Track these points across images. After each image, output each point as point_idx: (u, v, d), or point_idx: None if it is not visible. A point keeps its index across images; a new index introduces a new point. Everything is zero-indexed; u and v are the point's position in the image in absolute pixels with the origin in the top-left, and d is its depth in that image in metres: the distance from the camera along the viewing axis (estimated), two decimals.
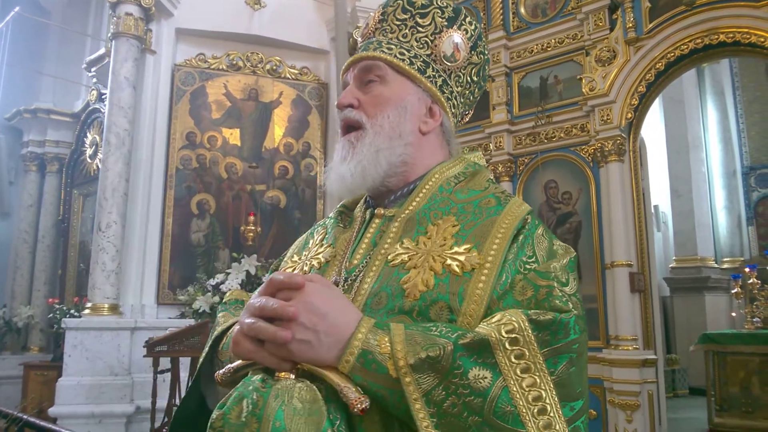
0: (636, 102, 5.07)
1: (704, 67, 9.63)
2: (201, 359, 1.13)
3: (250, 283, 5.79)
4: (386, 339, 0.89)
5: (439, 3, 1.23)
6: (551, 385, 0.90)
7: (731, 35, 4.65)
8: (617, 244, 4.97)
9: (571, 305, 0.98)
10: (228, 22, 6.69)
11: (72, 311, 6.72)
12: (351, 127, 1.18)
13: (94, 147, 7.69)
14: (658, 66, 5.00)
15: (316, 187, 6.76)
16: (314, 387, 0.87)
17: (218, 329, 1.15)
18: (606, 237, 5.11)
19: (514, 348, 0.89)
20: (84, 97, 8.46)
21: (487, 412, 0.85)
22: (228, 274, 5.85)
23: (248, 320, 0.91)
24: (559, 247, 1.08)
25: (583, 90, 5.28)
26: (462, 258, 1.01)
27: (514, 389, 0.87)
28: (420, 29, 1.20)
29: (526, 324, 0.91)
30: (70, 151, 8.48)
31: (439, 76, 1.21)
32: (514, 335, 0.90)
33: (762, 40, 4.49)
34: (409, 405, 0.85)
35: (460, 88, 1.25)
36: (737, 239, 9.79)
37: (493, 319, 0.93)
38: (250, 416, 0.84)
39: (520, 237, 1.05)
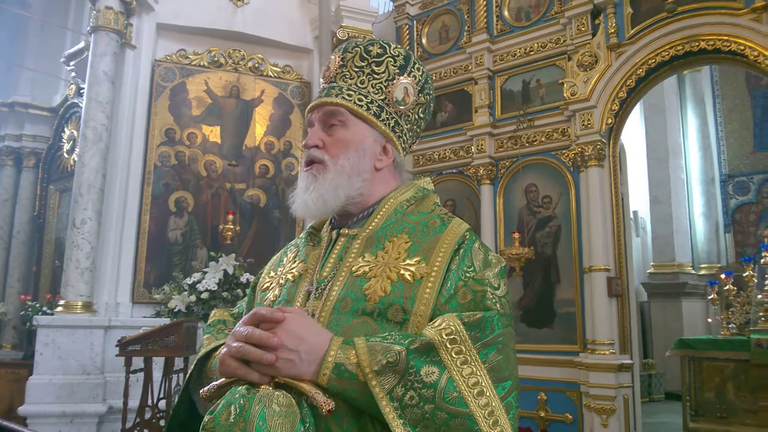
0: (617, 107, 5.10)
1: (685, 74, 9.73)
2: (188, 373, 1.34)
3: (227, 283, 5.73)
4: (353, 352, 1.09)
5: (392, 52, 1.40)
6: (485, 372, 1.11)
7: (712, 43, 4.70)
8: (596, 248, 4.99)
9: (498, 306, 1.20)
10: (210, 19, 6.61)
11: (45, 309, 6.60)
12: (313, 161, 1.36)
13: (71, 142, 7.56)
14: (639, 72, 5.03)
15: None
16: (289, 395, 1.06)
17: (203, 351, 1.33)
18: (585, 241, 5.13)
19: (453, 346, 1.10)
20: (62, 92, 8.33)
21: (438, 400, 1.06)
22: (205, 273, 5.78)
23: (235, 344, 1.10)
24: (492, 257, 1.29)
25: (565, 94, 5.31)
26: (413, 268, 1.22)
27: (457, 378, 1.08)
28: (375, 76, 1.38)
29: (461, 326, 1.13)
30: (47, 146, 8.33)
31: (392, 118, 1.39)
32: (452, 336, 1.11)
33: (742, 48, 4.54)
34: (377, 402, 1.05)
35: (408, 125, 1.44)
36: (714, 246, 9.90)
37: (435, 324, 1.14)
38: (238, 417, 1.01)
39: (461, 250, 1.26)
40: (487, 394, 1.09)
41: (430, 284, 1.19)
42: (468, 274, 1.22)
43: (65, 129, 7.85)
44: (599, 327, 4.88)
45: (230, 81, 6.70)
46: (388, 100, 1.38)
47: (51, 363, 5.21)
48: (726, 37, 4.62)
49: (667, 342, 7.86)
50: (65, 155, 7.77)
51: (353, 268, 1.26)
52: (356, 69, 1.38)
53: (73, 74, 7.43)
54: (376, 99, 1.37)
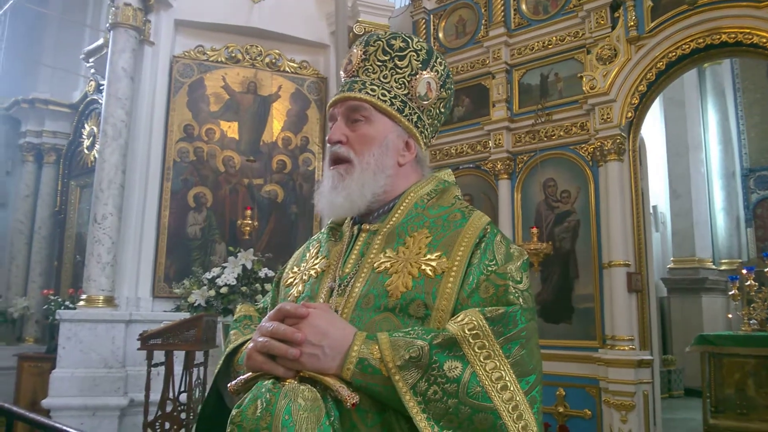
0: (636, 101, 5.05)
1: (705, 67, 9.62)
2: (216, 369, 1.36)
3: (246, 277, 5.76)
4: (376, 347, 1.10)
5: (414, 46, 1.39)
6: (508, 366, 1.12)
7: (733, 35, 4.63)
8: (615, 243, 4.95)
9: (521, 300, 1.20)
10: (227, 15, 6.64)
11: (67, 303, 6.69)
12: (339, 160, 1.36)
13: (91, 138, 7.65)
14: (659, 65, 4.97)
15: (314, 181, 6.72)
16: (315, 389, 1.08)
17: (231, 346, 1.36)
18: (604, 236, 5.09)
19: (476, 341, 1.11)
20: (82, 88, 8.42)
21: (462, 394, 1.07)
22: (224, 267, 5.81)
23: (261, 339, 1.13)
24: (515, 250, 1.29)
25: (584, 88, 5.26)
26: (434, 263, 1.23)
27: (480, 373, 1.09)
28: (398, 71, 1.38)
29: (483, 321, 1.13)
30: (67, 142, 8.44)
31: (414, 113, 1.39)
32: (474, 331, 1.11)
33: (764, 40, 4.47)
34: (400, 396, 1.06)
35: (430, 120, 1.44)
36: (735, 241, 9.79)
37: (458, 319, 1.15)
38: (264, 411, 1.03)
39: (482, 244, 1.26)
40: (511, 388, 1.10)
41: (451, 279, 1.20)
42: (490, 268, 1.23)
43: (85, 125, 7.94)
44: (618, 322, 4.85)
45: (247, 77, 6.73)
46: (411, 95, 1.38)
47: (73, 356, 5.29)
48: (748, 30, 4.55)
49: (687, 338, 7.80)
50: (85, 151, 7.86)
51: (375, 264, 1.27)
52: (379, 63, 1.38)
53: (92, 71, 7.50)
54: (399, 94, 1.37)
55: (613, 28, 5.23)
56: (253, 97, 6.73)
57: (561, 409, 5.18)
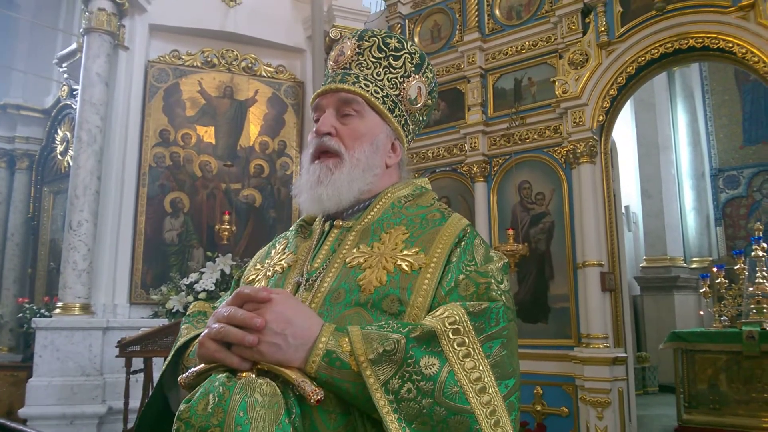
0: (608, 105, 5.16)
1: (675, 70, 9.81)
2: (163, 366, 1.22)
3: (224, 282, 5.76)
4: (346, 340, 1.01)
5: (409, 48, 1.37)
6: (488, 367, 1.05)
7: (700, 40, 4.76)
8: (589, 244, 5.05)
9: (504, 298, 1.15)
10: (203, 19, 6.62)
11: (42, 311, 6.61)
12: (326, 153, 1.30)
13: (65, 144, 7.56)
14: (629, 70, 5.09)
15: (292, 186, 6.71)
16: (274, 383, 0.98)
17: (181, 340, 1.25)
18: (578, 237, 5.19)
19: (456, 337, 1.04)
20: (55, 93, 8.32)
21: (437, 394, 0.99)
22: (202, 273, 5.81)
23: (216, 325, 1.02)
24: (494, 254, 1.24)
25: (556, 92, 5.36)
26: (411, 259, 1.17)
27: (459, 372, 1.02)
28: (392, 71, 1.34)
29: (465, 315, 1.07)
30: (40, 148, 8.33)
31: (402, 116, 1.37)
32: (455, 326, 1.05)
33: (730, 45, 4.60)
34: (370, 394, 0.96)
35: (413, 126, 1.42)
36: (706, 239, 9.99)
37: (437, 313, 1.08)
38: (216, 407, 0.93)
39: (462, 244, 1.22)
40: (490, 391, 1.03)
41: (428, 275, 1.14)
42: (469, 268, 1.18)
43: (58, 130, 7.85)
44: (593, 321, 4.94)
45: (224, 81, 6.72)
46: (402, 97, 1.35)
47: (50, 365, 5.23)
48: (714, 35, 4.68)
49: (660, 335, 7.95)
50: (59, 157, 7.76)
51: (347, 259, 1.20)
52: (373, 59, 1.33)
53: (65, 75, 7.42)
54: (391, 94, 1.34)
55: (585, 33, 5.33)
56: (230, 101, 6.72)
57: (539, 408, 5.26)
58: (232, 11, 6.73)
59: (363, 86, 1.31)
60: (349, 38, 1.38)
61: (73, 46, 6.88)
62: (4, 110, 8.44)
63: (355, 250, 1.21)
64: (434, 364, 1.00)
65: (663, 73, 8.47)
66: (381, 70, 1.33)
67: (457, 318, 1.05)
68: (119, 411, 4.80)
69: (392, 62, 1.34)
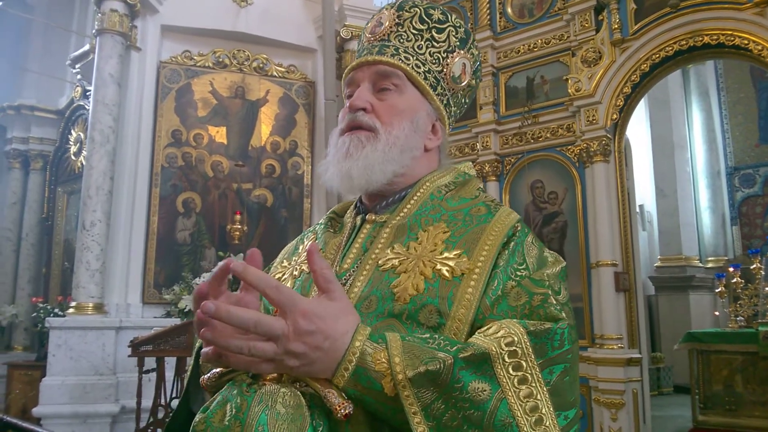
0: (621, 103, 5.10)
1: (689, 68, 9.71)
2: (188, 373, 1.13)
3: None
4: (382, 354, 0.87)
5: (453, 21, 1.24)
6: (547, 396, 0.91)
7: (715, 37, 4.69)
8: (602, 243, 5.00)
9: (564, 314, 0.99)
10: (214, 20, 6.64)
11: (56, 310, 6.66)
12: (358, 129, 1.17)
13: (78, 144, 7.62)
14: (643, 67, 5.03)
15: (303, 185, 6.74)
16: (298, 393, 0.88)
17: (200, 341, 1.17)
18: (591, 237, 5.14)
19: (512, 360, 0.90)
20: (68, 94, 8.38)
21: (486, 425, 0.86)
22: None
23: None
24: (549, 255, 1.09)
25: (569, 91, 5.31)
26: (452, 263, 1.02)
27: (512, 400, 0.88)
28: (435, 44, 1.21)
29: (525, 337, 0.92)
30: (54, 149, 8.40)
31: (445, 94, 1.23)
32: (513, 348, 0.90)
33: (746, 42, 4.53)
34: (408, 418, 0.84)
35: (455, 108, 1.28)
36: (721, 239, 9.88)
37: (490, 331, 0.93)
38: (233, 420, 0.84)
39: (511, 244, 1.06)
40: (547, 423, 0.90)
41: (472, 282, 1.00)
42: (520, 273, 1.03)
43: (72, 131, 7.91)
44: (607, 322, 4.90)
45: (235, 81, 6.73)
46: (444, 74, 1.22)
47: (64, 364, 5.27)
48: (730, 32, 4.61)
49: (675, 335, 7.87)
50: (72, 157, 7.82)
51: (380, 261, 1.06)
52: (415, 31, 1.20)
53: (78, 76, 7.48)
54: (433, 69, 1.21)
55: (598, 30, 5.28)
56: (241, 101, 6.73)
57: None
58: (244, 11, 6.74)
59: (403, 59, 1.18)
60: (387, 8, 1.24)
61: (86, 47, 6.93)
62: (18, 111, 8.52)
63: (389, 251, 1.08)
64: (485, 390, 0.87)
65: (678, 71, 8.38)
66: (423, 43, 1.20)
67: (516, 339, 0.91)
68: (132, 410, 4.82)
69: (435, 35, 1.21)
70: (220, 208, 6.48)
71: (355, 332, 0.89)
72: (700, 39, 4.75)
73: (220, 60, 6.72)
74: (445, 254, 1.04)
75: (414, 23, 1.21)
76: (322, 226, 1.27)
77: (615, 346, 4.83)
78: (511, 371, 0.89)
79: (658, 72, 5.15)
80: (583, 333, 5.16)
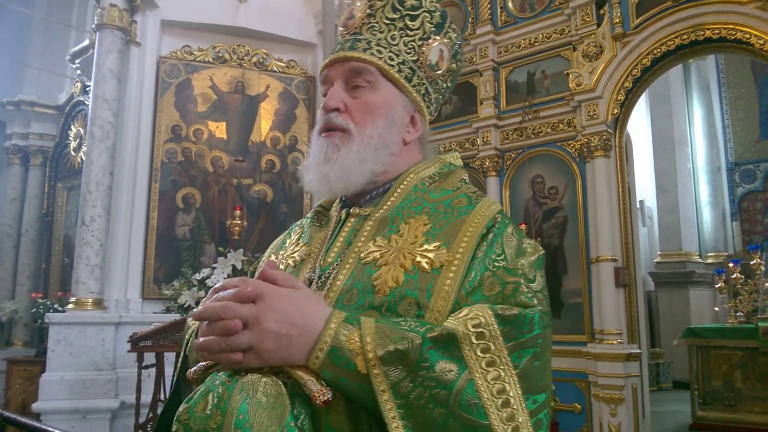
0: (622, 98, 5.09)
1: (690, 63, 9.70)
2: (178, 367, 1.15)
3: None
4: (356, 334, 0.90)
5: (427, 6, 1.21)
6: (515, 379, 0.92)
7: (717, 31, 4.68)
8: (602, 238, 4.99)
9: (536, 301, 1.00)
10: (214, 14, 6.62)
11: (56, 306, 6.66)
12: (333, 130, 1.17)
13: (78, 140, 7.60)
14: (644, 62, 5.01)
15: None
16: (279, 382, 0.89)
17: (188, 333, 1.20)
18: (591, 232, 5.13)
19: (480, 342, 0.91)
20: (68, 89, 8.36)
21: (452, 404, 0.87)
22: (214, 268, 5.81)
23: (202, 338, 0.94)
24: (528, 245, 1.09)
25: (570, 85, 5.30)
26: (431, 255, 1.03)
27: (480, 382, 0.89)
28: (409, 32, 1.19)
29: (492, 319, 0.93)
30: (54, 144, 8.38)
31: (422, 84, 1.21)
32: (480, 329, 0.92)
33: (747, 36, 4.52)
34: (377, 396, 0.86)
35: (436, 95, 1.27)
36: (721, 234, 9.88)
37: (461, 314, 0.95)
38: (215, 409, 0.85)
39: (490, 235, 1.07)
40: (514, 406, 0.90)
41: (451, 274, 1.00)
42: (497, 263, 1.03)
43: (71, 127, 7.89)
44: (607, 317, 4.89)
45: (235, 76, 6.71)
46: (421, 63, 1.20)
47: (63, 360, 5.26)
48: (731, 26, 4.60)
49: (674, 331, 7.87)
50: (72, 153, 7.81)
51: (362, 254, 1.07)
52: (387, 21, 1.18)
53: (78, 72, 7.45)
54: (408, 60, 1.18)
55: (599, 25, 5.26)
56: (241, 96, 6.72)
57: (551, 404, 5.22)
58: (243, 6, 6.72)
59: (375, 53, 1.16)
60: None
61: (86, 42, 6.90)
62: (18, 107, 8.49)
63: (371, 244, 1.08)
64: (452, 370, 0.88)
65: (679, 66, 8.38)
66: (396, 33, 1.18)
67: (483, 321, 0.93)
68: (131, 405, 4.82)
69: (409, 23, 1.18)
70: (220, 203, 6.47)
71: (330, 315, 0.92)
72: (702, 33, 4.74)
73: (220, 55, 6.70)
74: (425, 246, 1.04)
75: (386, 12, 1.18)
76: (309, 220, 1.28)
77: (614, 342, 4.83)
78: (479, 353, 0.91)
79: (659, 66, 5.14)
80: (582, 328, 5.16)
